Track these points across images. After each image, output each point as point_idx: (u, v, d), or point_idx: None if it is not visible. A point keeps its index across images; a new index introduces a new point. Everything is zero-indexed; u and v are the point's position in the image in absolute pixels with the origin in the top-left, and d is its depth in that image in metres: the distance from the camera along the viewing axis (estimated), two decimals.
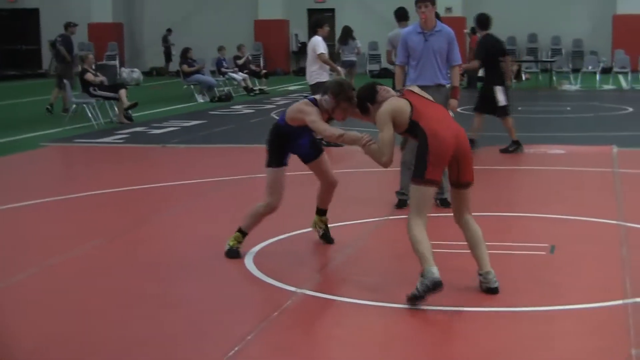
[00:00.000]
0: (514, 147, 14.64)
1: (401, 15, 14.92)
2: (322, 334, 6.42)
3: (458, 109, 10.76)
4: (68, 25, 24.32)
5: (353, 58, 24.71)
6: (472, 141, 14.16)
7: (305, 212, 10.17)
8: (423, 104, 7.14)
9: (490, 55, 14.66)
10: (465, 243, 7.29)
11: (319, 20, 16.16)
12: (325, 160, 8.53)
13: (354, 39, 24.74)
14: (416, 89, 7.39)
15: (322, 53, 15.37)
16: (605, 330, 6.25)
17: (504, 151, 14.55)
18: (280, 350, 6.04)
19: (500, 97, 14.50)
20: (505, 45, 14.98)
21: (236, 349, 5.93)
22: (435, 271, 6.75)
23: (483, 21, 15.27)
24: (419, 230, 6.91)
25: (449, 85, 10.54)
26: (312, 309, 6.93)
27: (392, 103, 7.14)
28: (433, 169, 6.88)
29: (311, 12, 38.45)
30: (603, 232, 9.17)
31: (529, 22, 37.05)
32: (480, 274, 7.15)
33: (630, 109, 21.70)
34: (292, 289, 7.23)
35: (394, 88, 14.02)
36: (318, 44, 15.46)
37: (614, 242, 8.63)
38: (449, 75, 10.58)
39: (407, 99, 7.12)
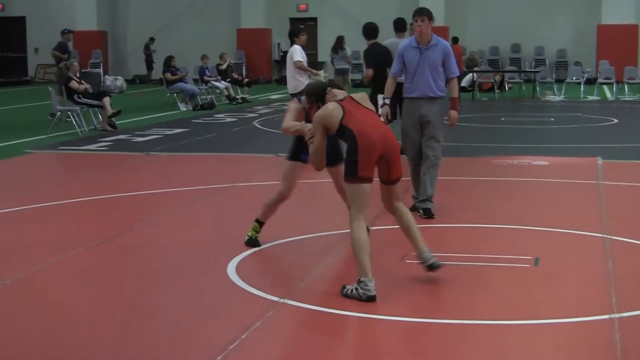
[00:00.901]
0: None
1: (400, 26, 15.26)
2: (304, 345, 6.35)
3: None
4: (63, 32, 24.35)
5: (345, 66, 26.26)
6: None
7: (288, 222, 10.15)
8: (355, 109, 7.57)
9: (378, 65, 14.73)
10: (456, 255, 7.54)
11: (296, 29, 16.41)
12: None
13: (344, 48, 26.21)
14: (358, 97, 7.77)
15: (298, 60, 15.64)
16: (591, 345, 6.20)
17: None
18: None
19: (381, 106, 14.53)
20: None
21: (218, 358, 5.87)
22: (371, 287, 7.12)
23: (369, 30, 15.44)
24: (360, 232, 7.27)
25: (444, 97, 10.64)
26: (295, 320, 6.87)
27: (325, 108, 7.61)
28: (363, 167, 7.32)
29: (293, 21, 38.44)
30: (588, 244, 9.13)
31: (513, 32, 37.11)
32: (418, 256, 7.65)
33: (615, 120, 21.72)
34: (275, 298, 7.17)
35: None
36: (295, 52, 15.72)
37: (599, 255, 8.59)
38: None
39: (342, 105, 7.55)
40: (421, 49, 10.46)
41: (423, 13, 10.42)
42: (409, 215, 7.78)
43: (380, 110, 10.73)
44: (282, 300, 7.12)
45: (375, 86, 14.71)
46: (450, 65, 10.53)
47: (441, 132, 10.59)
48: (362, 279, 7.14)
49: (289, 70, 15.93)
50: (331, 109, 7.54)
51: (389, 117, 10.74)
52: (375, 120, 7.62)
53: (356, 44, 30.63)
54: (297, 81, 15.68)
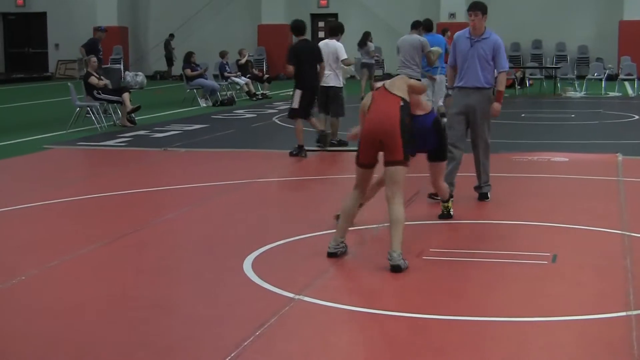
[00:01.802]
0: (297, 151, 15.22)
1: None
2: (319, 341, 6.31)
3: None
4: (97, 30, 24.48)
5: (370, 60, 27.36)
6: (325, 136, 15.81)
7: (305, 218, 10.13)
8: (380, 97, 8.41)
9: (300, 61, 15.25)
10: (474, 251, 8.01)
11: (340, 26, 17.13)
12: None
13: (367, 43, 27.26)
14: (391, 82, 8.56)
15: (346, 59, 16.49)
16: (608, 343, 6.14)
17: (291, 154, 15.28)
18: (276, 358, 5.96)
19: (295, 100, 15.42)
20: (321, 53, 15.76)
21: (232, 354, 5.85)
22: (331, 244, 8.34)
23: (296, 28, 15.89)
24: (347, 201, 8.53)
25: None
26: (310, 316, 6.83)
27: (365, 97, 8.59)
28: (361, 154, 8.36)
29: (314, 16, 38.42)
30: (606, 241, 9.06)
31: (534, 28, 36.95)
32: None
33: (636, 117, 21.56)
34: (291, 295, 7.15)
35: None
36: (341, 49, 16.39)
37: (618, 253, 8.53)
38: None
39: (373, 94, 8.52)
40: (472, 40, 10.95)
41: (477, 8, 10.96)
42: (396, 212, 8.07)
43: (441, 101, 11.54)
44: (297, 297, 7.10)
45: (297, 81, 15.54)
46: (500, 58, 10.94)
47: (487, 121, 11.04)
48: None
49: (329, 63, 16.13)
50: (366, 99, 8.52)
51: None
52: (383, 108, 8.26)
53: (375, 40, 30.81)
54: (334, 74, 16.26)
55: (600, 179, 12.69)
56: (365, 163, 8.37)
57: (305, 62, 15.38)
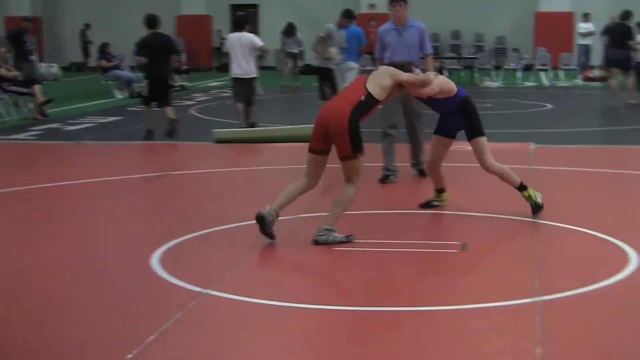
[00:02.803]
0: (146, 135, 16.14)
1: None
2: (225, 336, 6.22)
3: None
4: (23, 20, 24.12)
5: (295, 50, 28.46)
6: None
7: (217, 211, 10.03)
8: (355, 83, 8.68)
9: (152, 53, 16.01)
10: (384, 241, 8.10)
11: (246, 17, 17.96)
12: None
13: (295, 33, 28.60)
14: (375, 73, 8.70)
15: (263, 45, 17.22)
16: (512, 329, 6.16)
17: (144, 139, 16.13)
18: (182, 352, 5.85)
19: (145, 89, 16.47)
20: (176, 45, 16.84)
21: (136, 351, 5.75)
22: (262, 210, 8.36)
23: (149, 21, 16.55)
24: (293, 184, 8.60)
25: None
26: (218, 310, 6.74)
27: None
28: (312, 138, 8.49)
29: (234, 7, 38.18)
30: (517, 229, 9.13)
31: (453, 20, 37.14)
32: None
33: (550, 106, 21.82)
34: (198, 289, 7.05)
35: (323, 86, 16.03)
36: (255, 39, 17.12)
37: (528, 240, 8.59)
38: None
39: (360, 76, 8.90)
40: (399, 30, 11.71)
41: None
42: (343, 193, 8.45)
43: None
44: (204, 291, 7.00)
45: (146, 72, 16.45)
46: (425, 43, 11.83)
47: (420, 104, 11.33)
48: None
49: (244, 55, 16.78)
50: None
51: None
52: (344, 97, 8.51)
53: (300, 31, 30.86)
54: (249, 65, 16.89)
55: (513, 168, 12.72)
56: (313, 148, 8.48)
57: (155, 54, 16.06)
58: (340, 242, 8.29)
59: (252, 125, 16.80)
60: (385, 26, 11.99)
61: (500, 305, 6.62)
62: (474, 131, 9.54)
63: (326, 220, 8.40)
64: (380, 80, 8.52)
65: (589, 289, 6.94)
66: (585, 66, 31.27)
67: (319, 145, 8.43)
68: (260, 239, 8.56)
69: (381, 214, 9.92)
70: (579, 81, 29.97)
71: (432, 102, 9.49)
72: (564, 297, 6.75)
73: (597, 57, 31.94)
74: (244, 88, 16.86)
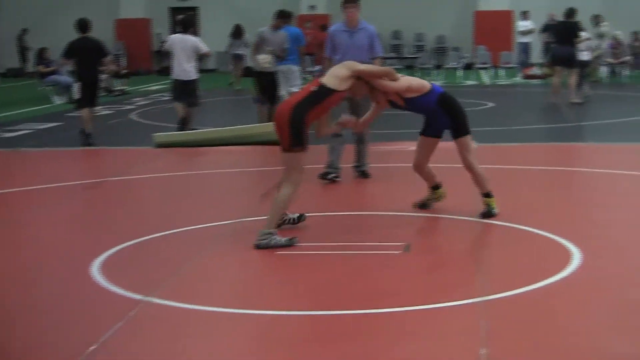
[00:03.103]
0: (84, 138, 16.19)
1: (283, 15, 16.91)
2: (167, 344, 6.12)
3: None
4: None
5: (241, 52, 28.45)
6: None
7: (158, 217, 9.92)
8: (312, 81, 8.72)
9: (80, 56, 16.39)
10: (327, 243, 8.11)
11: (191, 19, 18.31)
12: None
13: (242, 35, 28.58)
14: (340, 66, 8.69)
15: (208, 51, 17.43)
16: (457, 330, 6.12)
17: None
18: None
19: (77, 93, 16.67)
20: (106, 48, 17.07)
21: None
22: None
23: (80, 25, 16.81)
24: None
25: None
26: (159, 318, 6.62)
27: None
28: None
29: (174, 10, 37.95)
30: (460, 229, 9.09)
31: (393, 20, 37.23)
32: None
33: (491, 104, 21.95)
34: (139, 297, 6.94)
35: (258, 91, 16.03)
36: (199, 42, 17.17)
37: (471, 240, 8.58)
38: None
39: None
40: (350, 32, 11.83)
41: (353, 0, 11.88)
42: (280, 194, 8.39)
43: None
44: (146, 299, 6.90)
45: (77, 75, 16.65)
46: (375, 45, 11.91)
47: (368, 104, 11.23)
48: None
49: (186, 57, 16.84)
50: None
51: None
52: (296, 94, 8.61)
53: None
54: (190, 68, 16.90)
55: (455, 167, 12.74)
56: (281, 145, 8.45)
57: (85, 58, 16.33)
58: (282, 246, 8.21)
59: (192, 129, 16.81)
60: (336, 27, 12.10)
61: (445, 307, 6.59)
62: (459, 130, 9.49)
63: (266, 224, 8.32)
64: (335, 72, 8.52)
65: (533, 288, 6.93)
66: (525, 64, 31.52)
67: (280, 141, 8.41)
68: (203, 244, 8.47)
69: (324, 216, 9.85)
70: (519, 79, 30.19)
71: (408, 103, 9.31)
72: (508, 296, 6.74)
73: (536, 54, 32.24)
74: (184, 90, 16.90)
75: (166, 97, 25.59)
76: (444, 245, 8.52)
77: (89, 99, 16.39)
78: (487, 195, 9.39)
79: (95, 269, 7.75)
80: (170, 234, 9.06)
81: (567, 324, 6.27)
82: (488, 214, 9.28)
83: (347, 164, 12.03)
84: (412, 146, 14.13)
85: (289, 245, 8.26)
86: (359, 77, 8.72)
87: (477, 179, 9.46)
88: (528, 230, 8.80)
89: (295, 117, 8.21)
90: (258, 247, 8.22)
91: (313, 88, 8.37)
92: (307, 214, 9.17)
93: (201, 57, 17.57)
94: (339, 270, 7.73)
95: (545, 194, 10.95)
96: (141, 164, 14.08)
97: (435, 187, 9.88)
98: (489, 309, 6.43)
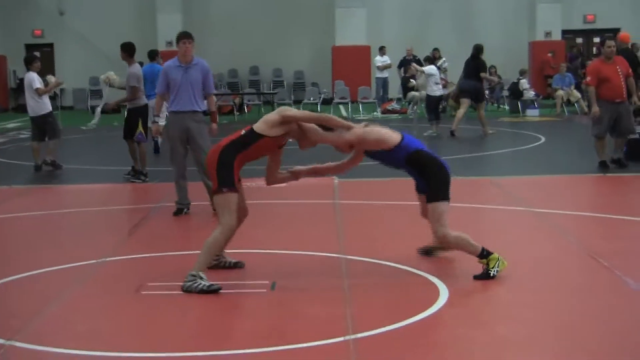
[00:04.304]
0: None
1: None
2: None
3: None
4: None
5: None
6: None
7: (20, 256, 9.70)
8: None
9: None
10: None
11: (30, 57, 17.89)
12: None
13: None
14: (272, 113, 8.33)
15: (38, 88, 17.07)
16: None
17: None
18: None
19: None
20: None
21: None
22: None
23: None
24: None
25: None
26: None
27: None
28: None
29: (29, 47, 37.28)
30: (325, 266, 9.08)
31: (251, 55, 37.34)
32: None
33: None
34: (1, 341, 6.75)
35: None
36: (34, 80, 17.10)
37: (336, 277, 8.58)
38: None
39: None
40: (184, 67, 11.78)
41: (190, 36, 11.85)
42: (209, 238, 8.16)
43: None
44: (8, 342, 6.72)
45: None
46: (209, 82, 11.99)
47: (207, 142, 11.64)
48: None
49: (29, 96, 17.15)
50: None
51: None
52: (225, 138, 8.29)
53: (94, 71, 30.40)
54: (37, 103, 17.11)
55: (318, 203, 12.87)
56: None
57: None
58: (205, 292, 7.92)
59: (52, 164, 17.12)
60: (170, 62, 12.01)
61: (315, 345, 6.60)
62: (430, 194, 8.33)
63: (194, 266, 8.07)
64: (266, 116, 8.29)
65: (400, 325, 6.98)
66: (383, 99, 32.00)
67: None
68: (69, 284, 8.32)
69: (180, 256, 9.72)
70: (377, 114, 30.61)
71: (372, 156, 8.56)
72: (376, 334, 6.77)
73: (394, 89, 32.78)
74: (40, 125, 17.25)
75: (24, 134, 25.13)
76: (310, 283, 8.42)
77: None
78: (482, 256, 8.26)
79: None
80: (32, 275, 8.85)
81: None
82: (485, 274, 8.23)
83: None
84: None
85: (211, 291, 7.95)
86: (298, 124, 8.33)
87: (460, 248, 8.42)
88: (396, 267, 8.84)
89: (222, 158, 8.08)
90: (182, 288, 7.97)
91: (243, 132, 8.23)
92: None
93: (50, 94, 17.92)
94: (203, 310, 7.65)
95: (411, 229, 10.58)
96: (0, 203, 13.75)
97: None
98: (358, 347, 6.46)
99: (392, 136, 8.34)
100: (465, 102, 23.49)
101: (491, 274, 8.18)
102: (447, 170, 8.38)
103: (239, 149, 8.17)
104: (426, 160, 8.35)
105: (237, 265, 8.88)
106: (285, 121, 8.22)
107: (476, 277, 8.22)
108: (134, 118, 15.69)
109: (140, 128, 15.60)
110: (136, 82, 15.36)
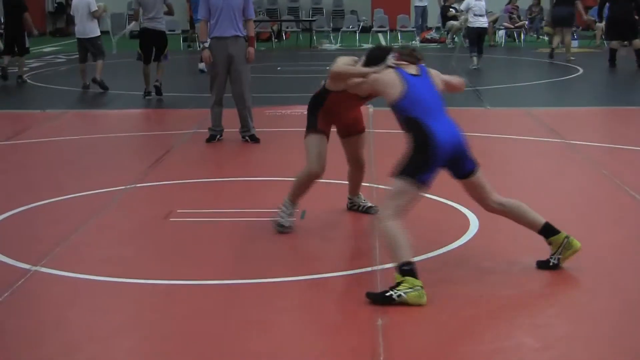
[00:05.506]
0: None
1: None
2: (55, 315, 5.94)
3: None
4: None
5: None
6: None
7: (46, 183, 9.69)
8: None
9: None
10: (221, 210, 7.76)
11: None
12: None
13: None
14: None
15: (95, 10, 17.62)
16: (356, 298, 6.03)
17: None
18: (6, 334, 5.57)
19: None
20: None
21: None
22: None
23: None
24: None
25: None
26: (47, 289, 6.43)
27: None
28: None
29: None
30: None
31: None
32: None
33: None
34: (27, 266, 6.73)
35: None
36: (92, 1, 17.59)
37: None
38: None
39: None
40: None
41: None
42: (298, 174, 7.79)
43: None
44: (34, 268, 6.70)
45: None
46: (249, 7, 11.89)
47: (248, 69, 11.92)
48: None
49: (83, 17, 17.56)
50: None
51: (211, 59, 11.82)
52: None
53: None
54: (90, 26, 17.65)
55: None
56: None
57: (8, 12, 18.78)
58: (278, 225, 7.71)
59: (100, 83, 17.41)
60: None
61: (343, 275, 6.61)
62: (397, 167, 6.39)
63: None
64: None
65: (429, 256, 6.90)
66: (422, 28, 31.64)
67: None
68: (97, 210, 8.29)
69: (208, 183, 9.70)
70: (416, 42, 30.28)
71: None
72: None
73: (433, 18, 32.39)
74: (87, 47, 17.66)
75: (60, 59, 25.12)
76: (338, 212, 8.35)
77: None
78: (400, 271, 6.03)
79: None
80: (63, 199, 8.85)
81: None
82: (381, 297, 5.95)
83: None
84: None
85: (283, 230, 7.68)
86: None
87: (383, 243, 6.41)
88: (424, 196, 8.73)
89: (309, 106, 7.87)
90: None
91: (319, 88, 7.95)
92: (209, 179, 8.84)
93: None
94: (231, 238, 7.60)
95: None
96: (34, 127, 13.72)
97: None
98: (385, 277, 6.35)
99: (391, 91, 6.52)
100: (567, 31, 22.73)
101: (392, 296, 5.90)
102: (437, 155, 6.33)
103: (319, 103, 7.83)
104: (415, 132, 6.37)
105: (369, 211, 8.24)
106: (333, 77, 7.50)
107: (369, 297, 6.00)
108: (162, 41, 16.50)
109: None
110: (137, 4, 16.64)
